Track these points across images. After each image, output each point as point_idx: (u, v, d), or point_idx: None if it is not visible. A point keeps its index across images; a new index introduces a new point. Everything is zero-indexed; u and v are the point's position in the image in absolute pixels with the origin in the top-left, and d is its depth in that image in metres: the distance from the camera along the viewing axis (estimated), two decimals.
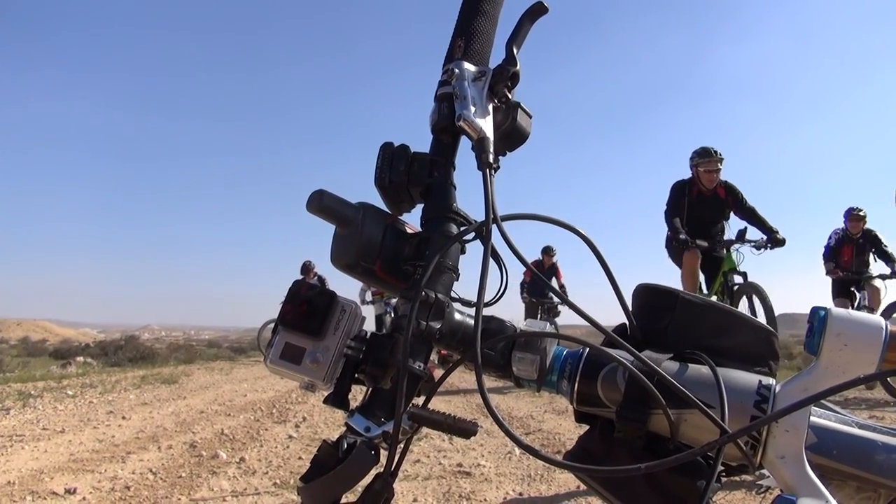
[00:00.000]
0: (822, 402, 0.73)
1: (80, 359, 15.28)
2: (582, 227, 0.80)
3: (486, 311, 0.78)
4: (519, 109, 0.83)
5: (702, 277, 6.92)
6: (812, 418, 0.73)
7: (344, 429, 0.73)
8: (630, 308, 0.84)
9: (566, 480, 2.69)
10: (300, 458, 3.12)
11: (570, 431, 3.96)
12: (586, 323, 0.76)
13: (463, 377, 6.37)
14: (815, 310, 0.71)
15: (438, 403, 5.34)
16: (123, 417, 4.21)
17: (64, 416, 4.24)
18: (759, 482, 1.05)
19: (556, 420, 4.51)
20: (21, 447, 3.12)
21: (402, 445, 0.75)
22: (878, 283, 8.24)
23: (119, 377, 6.41)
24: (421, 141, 0.86)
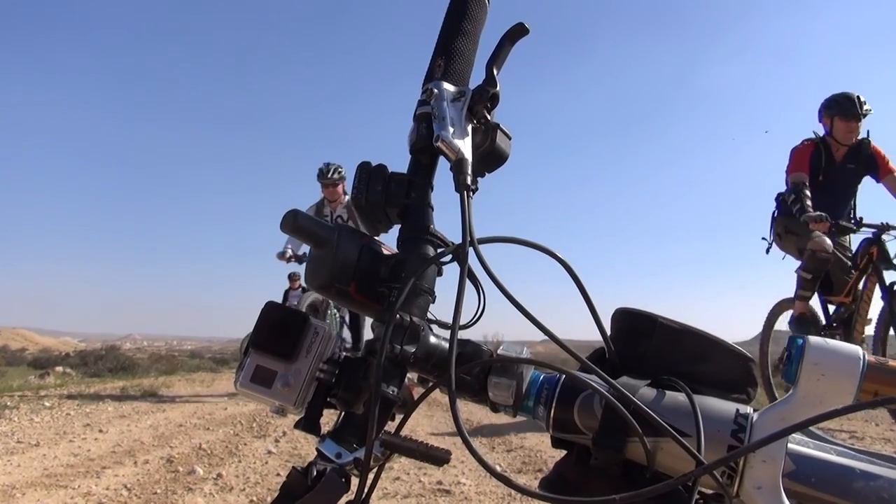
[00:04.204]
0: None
1: (60, 369, 15.08)
2: (564, 244, 0.80)
3: (463, 335, 0.77)
4: (498, 131, 0.83)
5: None
6: (790, 445, 0.72)
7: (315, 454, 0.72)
8: (609, 332, 0.84)
9: None
10: (278, 474, 3.08)
11: (552, 450, 3.94)
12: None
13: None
14: (792, 338, 0.71)
15: (420, 419, 5.30)
16: (100, 431, 4.14)
17: (40, 429, 4.17)
18: None
19: (538, 438, 4.50)
20: None
21: (374, 472, 0.73)
22: None
23: (98, 388, 6.33)
24: (399, 160, 0.85)
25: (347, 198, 7.39)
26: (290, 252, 7.37)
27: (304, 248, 7.38)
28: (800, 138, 4.99)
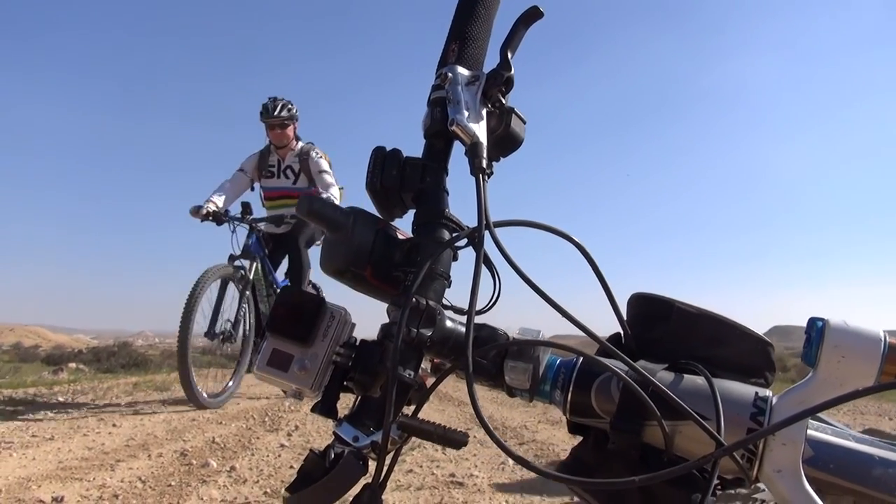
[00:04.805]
0: (819, 414, 0.72)
1: (73, 365, 15.18)
2: (576, 235, 0.79)
3: (479, 319, 0.76)
4: (513, 115, 0.83)
5: None
6: (809, 431, 0.72)
7: (333, 438, 0.72)
8: (625, 317, 0.83)
9: (560, 490, 2.67)
10: (291, 466, 3.09)
11: (564, 442, 3.94)
12: (580, 331, 0.75)
13: (456, 385, 6.36)
14: (812, 321, 0.70)
15: (431, 412, 5.31)
16: (114, 425, 4.16)
17: (54, 423, 4.20)
18: (755, 496, 1.03)
19: (550, 430, 4.50)
20: (9, 454, 3.08)
21: (391, 456, 0.73)
22: None
23: (111, 384, 6.38)
24: (413, 147, 0.85)
25: (301, 144, 5.94)
26: (209, 208, 5.38)
27: (233, 206, 5.68)
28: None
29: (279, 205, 6.02)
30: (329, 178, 5.72)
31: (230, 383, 5.67)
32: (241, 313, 5.62)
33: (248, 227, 5.63)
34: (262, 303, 5.94)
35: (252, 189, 6.05)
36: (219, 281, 5.28)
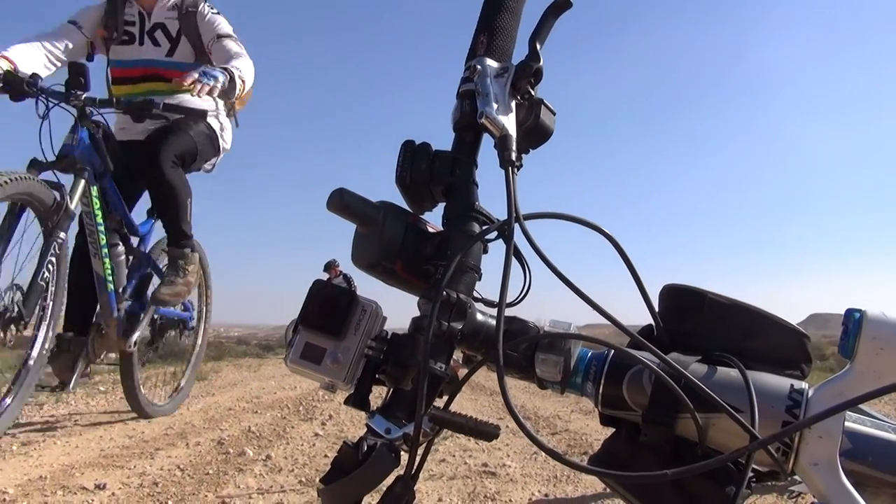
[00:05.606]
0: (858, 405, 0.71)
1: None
2: (608, 228, 0.79)
3: (509, 312, 0.77)
4: (542, 106, 0.82)
5: None
6: (847, 423, 0.71)
7: (365, 430, 0.73)
8: (656, 309, 0.83)
9: (592, 482, 2.67)
10: (325, 456, 3.13)
11: (597, 432, 3.92)
12: (610, 324, 0.74)
13: (490, 376, 6.34)
14: (849, 312, 0.69)
15: (464, 402, 5.32)
16: None
17: (96, 412, 4.31)
18: (791, 487, 1.02)
19: (583, 420, 4.48)
20: (53, 442, 3.17)
21: (423, 447, 0.74)
22: None
23: (149, 374, 6.51)
24: (443, 142, 0.85)
25: None
26: None
27: (51, 78, 3.11)
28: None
29: (142, 90, 3.50)
30: (237, 47, 3.49)
31: (7, 401, 2.80)
32: (46, 273, 2.83)
33: (76, 111, 3.04)
34: (96, 257, 3.25)
35: (91, 59, 3.56)
36: (4, 205, 2.73)
